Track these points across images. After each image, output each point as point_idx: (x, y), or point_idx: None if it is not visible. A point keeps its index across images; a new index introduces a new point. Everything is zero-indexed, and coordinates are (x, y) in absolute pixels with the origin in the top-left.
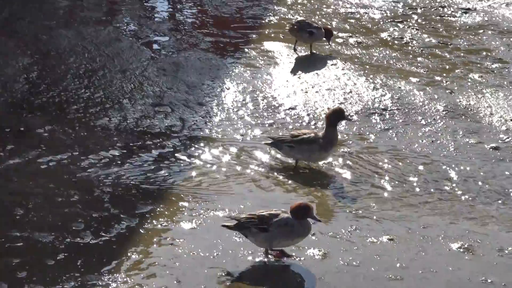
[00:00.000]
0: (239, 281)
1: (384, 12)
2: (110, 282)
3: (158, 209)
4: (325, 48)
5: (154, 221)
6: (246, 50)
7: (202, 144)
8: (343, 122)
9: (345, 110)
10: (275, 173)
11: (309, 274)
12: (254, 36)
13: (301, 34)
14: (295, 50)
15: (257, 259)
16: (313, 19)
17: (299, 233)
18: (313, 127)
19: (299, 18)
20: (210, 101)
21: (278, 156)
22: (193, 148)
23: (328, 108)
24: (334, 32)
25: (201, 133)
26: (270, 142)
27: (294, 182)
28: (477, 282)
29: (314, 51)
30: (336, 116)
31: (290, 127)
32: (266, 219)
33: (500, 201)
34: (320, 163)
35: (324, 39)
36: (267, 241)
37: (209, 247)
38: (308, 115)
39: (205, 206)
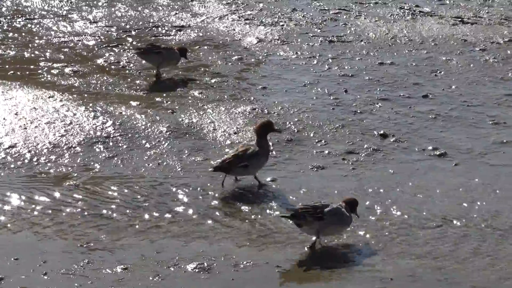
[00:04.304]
0: None
1: (98, 38)
2: None
3: None
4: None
5: None
6: None
7: None
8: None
9: (273, 122)
10: None
11: None
12: None
13: (151, 57)
14: (157, 75)
15: None
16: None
17: (348, 222)
18: (35, 163)
19: (151, 42)
20: None
21: None
22: None
23: (255, 123)
24: (48, 64)
25: None
26: (215, 167)
27: (50, 220)
28: None
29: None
30: (265, 129)
31: (12, 166)
32: (319, 208)
33: (229, 217)
34: None
35: (183, 59)
36: (321, 229)
37: None
38: (30, 151)
39: None
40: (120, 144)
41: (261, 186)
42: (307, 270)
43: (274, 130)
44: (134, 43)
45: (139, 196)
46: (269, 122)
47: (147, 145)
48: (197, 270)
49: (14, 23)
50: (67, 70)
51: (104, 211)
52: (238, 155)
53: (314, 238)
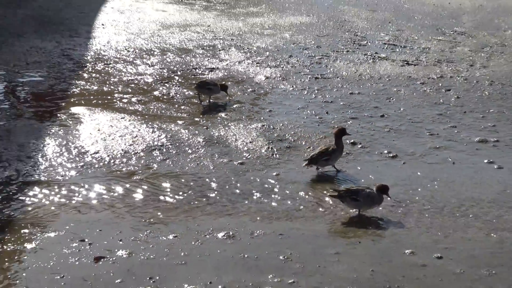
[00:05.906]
0: None
1: (155, 77)
2: None
3: (5, 236)
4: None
5: (3, 246)
6: (58, 115)
7: (34, 186)
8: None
9: (346, 128)
10: (82, 199)
11: None
12: (63, 104)
13: (202, 90)
14: (200, 102)
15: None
16: (209, 79)
17: (378, 202)
18: (112, 164)
19: (202, 79)
20: (35, 155)
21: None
22: (27, 190)
23: (333, 127)
24: (120, 95)
25: (32, 178)
26: (307, 163)
27: (123, 203)
28: (238, 258)
29: (212, 100)
30: (341, 132)
31: (96, 166)
32: (356, 192)
33: (247, 200)
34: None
35: (222, 92)
36: (357, 207)
37: (53, 262)
38: (108, 156)
39: (42, 230)
40: (170, 151)
41: (337, 171)
42: (303, 237)
43: (347, 133)
44: (180, 80)
45: (184, 187)
46: (343, 128)
47: (189, 151)
48: (225, 237)
49: (96, 67)
50: (133, 99)
51: (160, 197)
52: (322, 151)
53: (354, 210)
